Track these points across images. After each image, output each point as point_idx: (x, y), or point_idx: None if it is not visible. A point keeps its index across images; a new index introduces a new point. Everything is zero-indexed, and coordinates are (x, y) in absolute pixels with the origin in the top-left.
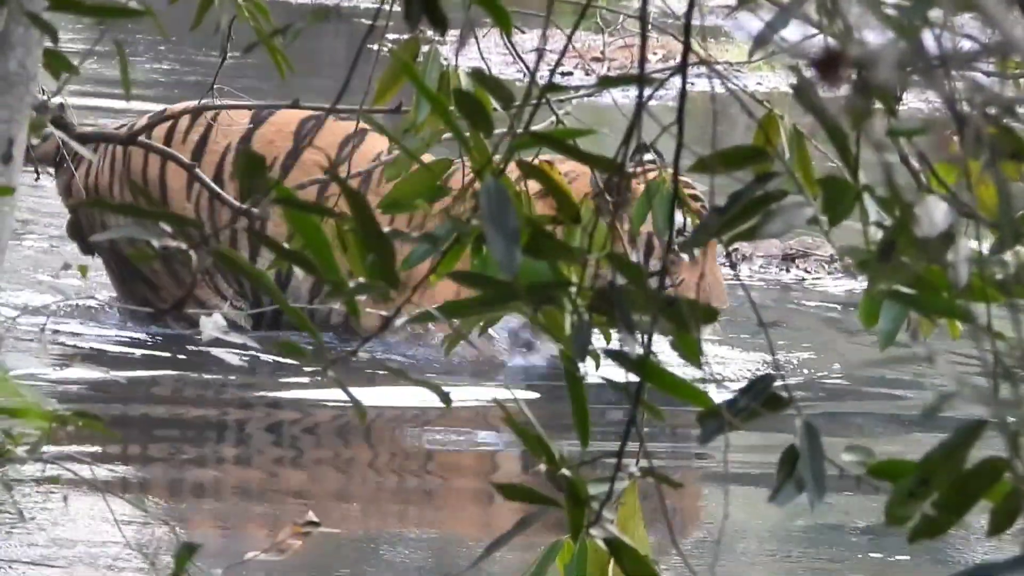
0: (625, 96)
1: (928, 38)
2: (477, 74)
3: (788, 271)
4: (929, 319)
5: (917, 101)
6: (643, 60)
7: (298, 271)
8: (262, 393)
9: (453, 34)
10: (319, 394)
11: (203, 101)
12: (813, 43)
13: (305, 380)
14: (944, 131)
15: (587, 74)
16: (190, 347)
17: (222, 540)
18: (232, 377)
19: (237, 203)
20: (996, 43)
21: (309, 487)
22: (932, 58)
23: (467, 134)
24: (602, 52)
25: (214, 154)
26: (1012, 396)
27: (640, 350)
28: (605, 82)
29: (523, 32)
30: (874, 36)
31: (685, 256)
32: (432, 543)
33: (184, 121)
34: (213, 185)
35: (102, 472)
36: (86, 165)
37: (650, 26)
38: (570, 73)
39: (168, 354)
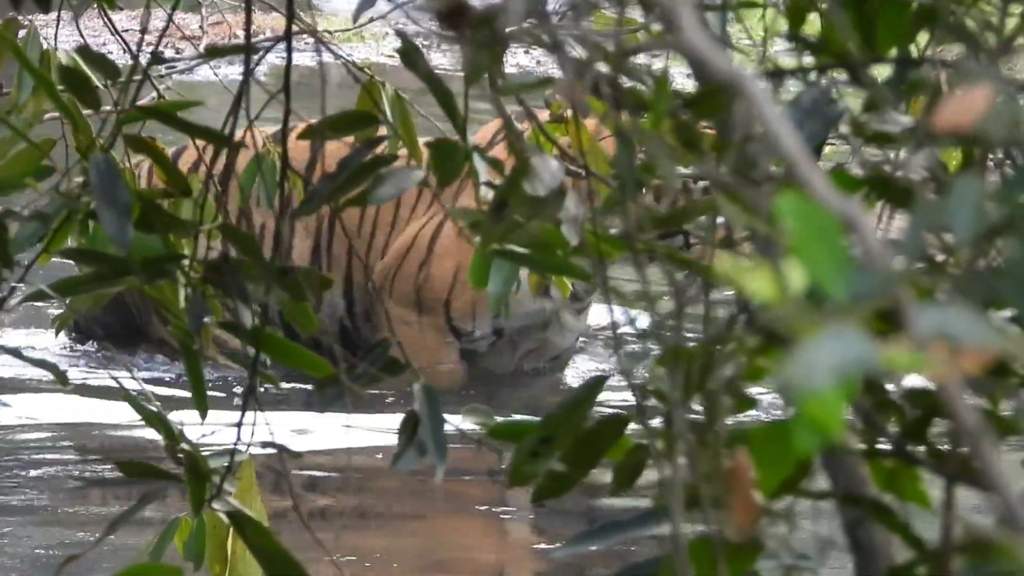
0: (216, 72)
1: None
2: (83, 51)
3: None
4: (543, 277)
5: (527, 60)
6: (249, 30)
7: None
8: None
9: (45, 17)
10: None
11: None
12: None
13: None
14: (562, 86)
15: (178, 52)
16: None
17: None
18: None
19: None
20: None
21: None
22: (551, 11)
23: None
24: (202, 27)
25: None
26: (638, 350)
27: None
28: (213, 52)
29: (121, 9)
30: None
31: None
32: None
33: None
34: None
35: None
36: None
37: None
38: (163, 52)
39: None
